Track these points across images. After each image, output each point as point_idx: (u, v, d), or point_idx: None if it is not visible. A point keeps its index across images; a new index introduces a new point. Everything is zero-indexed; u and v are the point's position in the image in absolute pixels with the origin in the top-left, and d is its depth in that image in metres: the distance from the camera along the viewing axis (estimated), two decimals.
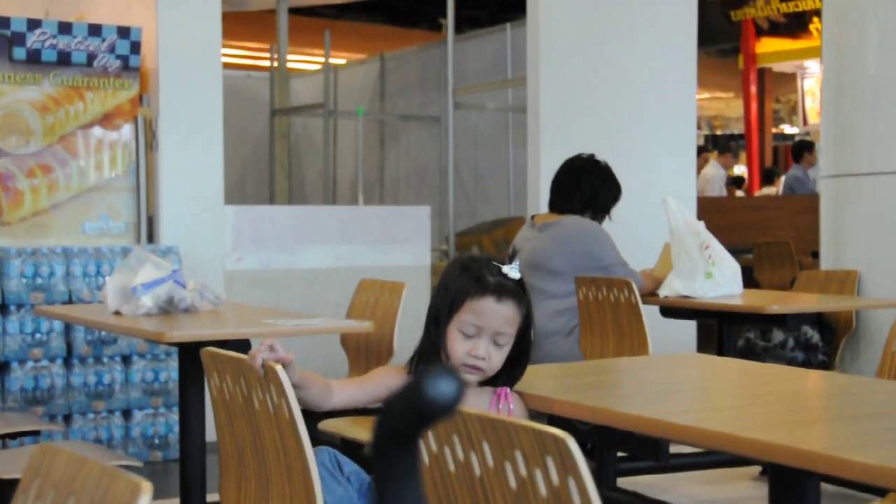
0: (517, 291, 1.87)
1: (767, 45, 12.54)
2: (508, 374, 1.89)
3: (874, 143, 4.22)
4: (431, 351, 1.85)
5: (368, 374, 1.94)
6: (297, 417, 1.53)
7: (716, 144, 18.94)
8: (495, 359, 1.83)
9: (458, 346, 1.82)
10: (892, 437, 1.47)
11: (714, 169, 9.09)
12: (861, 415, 1.67)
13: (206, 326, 2.88)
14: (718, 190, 9.07)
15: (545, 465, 1.11)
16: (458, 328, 1.83)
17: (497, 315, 1.83)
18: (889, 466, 1.25)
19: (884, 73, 4.16)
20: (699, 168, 9.93)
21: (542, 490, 1.12)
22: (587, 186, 3.87)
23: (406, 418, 0.75)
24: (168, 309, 3.06)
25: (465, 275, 1.85)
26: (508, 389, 1.89)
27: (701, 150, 10.22)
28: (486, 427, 1.18)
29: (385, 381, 1.87)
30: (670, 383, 2.08)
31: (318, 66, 10.44)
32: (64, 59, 4.36)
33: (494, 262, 1.88)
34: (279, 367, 1.60)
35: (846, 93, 4.35)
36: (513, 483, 1.16)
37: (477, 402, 1.85)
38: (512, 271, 1.87)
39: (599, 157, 4.06)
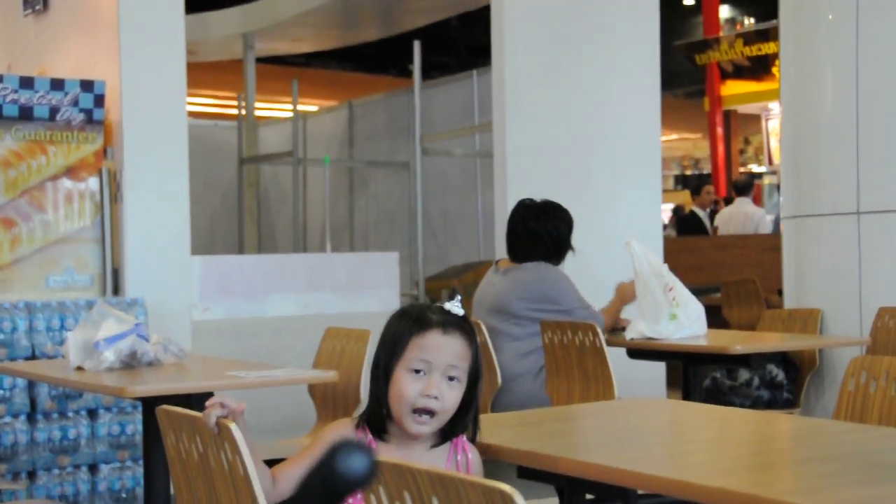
0: (463, 325, 1.79)
1: (732, 88, 12.74)
2: (459, 424, 1.80)
3: (833, 183, 4.28)
4: (376, 404, 1.79)
5: (316, 440, 1.83)
6: (251, 475, 1.53)
7: (685, 184, 19.13)
8: (449, 398, 1.74)
9: (410, 387, 1.73)
10: (839, 481, 1.48)
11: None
12: (812, 457, 1.69)
13: (169, 380, 2.86)
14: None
15: None
16: (407, 368, 1.74)
17: (445, 348, 1.74)
18: None
19: (841, 114, 4.23)
20: (708, 204, 9.81)
21: None
22: (548, 236, 3.92)
23: (322, 493, 0.75)
24: (131, 363, 3.05)
25: (404, 319, 1.79)
26: (465, 438, 1.83)
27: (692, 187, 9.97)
28: (436, 483, 1.18)
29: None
30: (632, 429, 2.09)
31: (287, 113, 10.48)
32: (26, 114, 4.36)
33: (436, 304, 1.83)
34: (233, 425, 1.59)
35: (804, 134, 4.42)
36: None
37: (433, 456, 1.80)
38: (454, 307, 1.79)
39: (566, 199, 4.13)
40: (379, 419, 1.80)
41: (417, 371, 1.75)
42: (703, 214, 9.57)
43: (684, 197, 17.96)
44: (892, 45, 4.14)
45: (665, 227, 10.18)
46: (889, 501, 1.35)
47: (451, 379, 1.76)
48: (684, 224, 9.70)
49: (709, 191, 9.88)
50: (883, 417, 2.21)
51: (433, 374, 1.74)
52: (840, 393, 2.30)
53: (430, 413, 1.75)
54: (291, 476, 1.74)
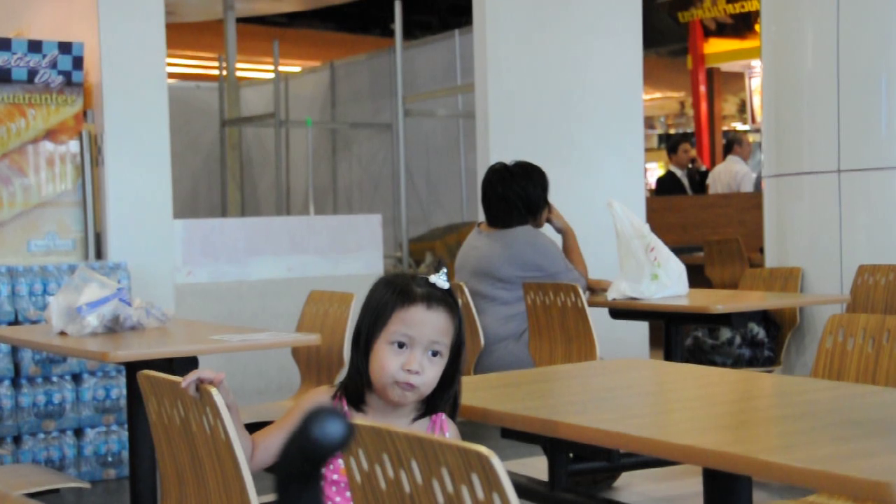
0: (447, 300, 1.77)
1: (715, 46, 12.71)
2: (441, 397, 1.79)
3: (813, 142, 4.29)
4: (356, 373, 1.77)
5: (294, 409, 1.81)
6: (233, 438, 1.54)
7: (669, 142, 19.06)
8: (430, 374, 1.73)
9: (391, 360, 1.71)
10: (814, 438, 1.51)
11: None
12: (788, 415, 1.71)
13: (152, 345, 2.87)
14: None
15: (471, 482, 1.13)
16: (389, 341, 1.72)
17: (428, 323, 1.72)
18: (808, 468, 1.29)
19: (821, 72, 4.24)
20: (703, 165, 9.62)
21: None
22: (516, 198, 3.92)
23: (300, 460, 0.77)
24: (114, 328, 3.05)
25: (389, 289, 1.76)
26: (444, 416, 1.81)
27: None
28: (414, 445, 1.19)
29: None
30: (613, 389, 2.11)
31: (269, 74, 10.41)
32: (4, 76, 4.32)
33: (421, 276, 1.80)
34: (214, 390, 1.60)
35: (785, 92, 4.43)
36: (441, 499, 1.18)
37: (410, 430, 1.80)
38: (440, 280, 1.77)
39: (548, 159, 4.13)
40: (358, 389, 1.78)
41: (400, 345, 1.73)
42: (680, 174, 9.52)
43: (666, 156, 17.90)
44: (872, 2, 4.14)
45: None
46: (860, 457, 1.37)
47: (433, 354, 1.74)
48: (662, 185, 9.63)
49: (685, 149, 9.72)
50: (860, 374, 2.24)
51: (415, 349, 1.73)
52: (818, 351, 2.33)
53: (411, 386, 1.74)
54: (268, 446, 1.74)
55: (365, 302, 1.80)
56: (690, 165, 9.99)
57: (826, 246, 4.25)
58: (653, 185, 11.06)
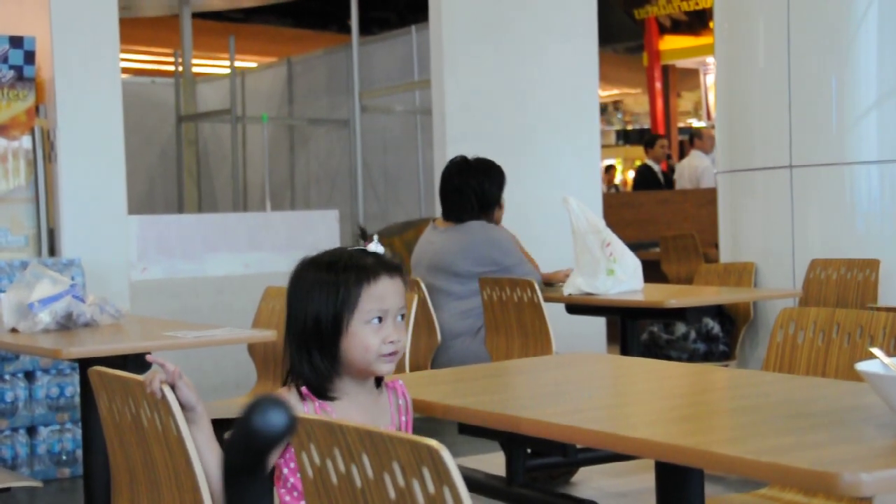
0: (397, 263, 1.81)
1: (670, 43, 12.82)
2: None
3: (765, 138, 4.34)
4: (322, 367, 1.74)
5: None
6: (185, 436, 1.53)
7: (626, 139, 19.24)
8: (404, 336, 1.78)
9: (372, 338, 1.72)
10: (764, 430, 1.52)
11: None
12: (739, 408, 1.73)
13: (106, 341, 2.84)
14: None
15: (421, 475, 1.13)
16: (365, 321, 1.72)
17: (395, 292, 1.75)
18: (756, 460, 1.30)
19: (772, 69, 4.29)
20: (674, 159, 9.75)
21: (420, 499, 1.14)
22: (471, 192, 3.93)
23: (245, 451, 0.77)
24: (67, 324, 3.02)
25: (343, 271, 1.74)
26: (399, 381, 1.85)
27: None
28: (365, 440, 1.20)
29: None
30: (567, 384, 2.12)
31: (227, 70, 10.32)
32: None
33: (351, 248, 1.81)
34: (166, 388, 1.59)
35: (738, 89, 4.48)
36: (392, 493, 1.18)
37: (381, 404, 1.82)
38: (377, 247, 1.80)
39: (505, 155, 4.13)
40: (325, 381, 1.75)
41: (376, 320, 1.74)
42: (657, 168, 9.66)
43: (626, 152, 18.07)
44: (822, 1, 4.19)
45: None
46: (809, 448, 1.39)
47: (401, 318, 1.78)
48: (639, 178, 9.79)
49: (662, 144, 9.89)
50: (810, 367, 2.27)
51: (388, 320, 1.75)
52: (769, 344, 2.36)
53: (394, 354, 1.77)
54: None
55: (305, 291, 1.76)
56: (667, 159, 10.17)
57: (778, 241, 4.30)
58: (612, 182, 11.15)
